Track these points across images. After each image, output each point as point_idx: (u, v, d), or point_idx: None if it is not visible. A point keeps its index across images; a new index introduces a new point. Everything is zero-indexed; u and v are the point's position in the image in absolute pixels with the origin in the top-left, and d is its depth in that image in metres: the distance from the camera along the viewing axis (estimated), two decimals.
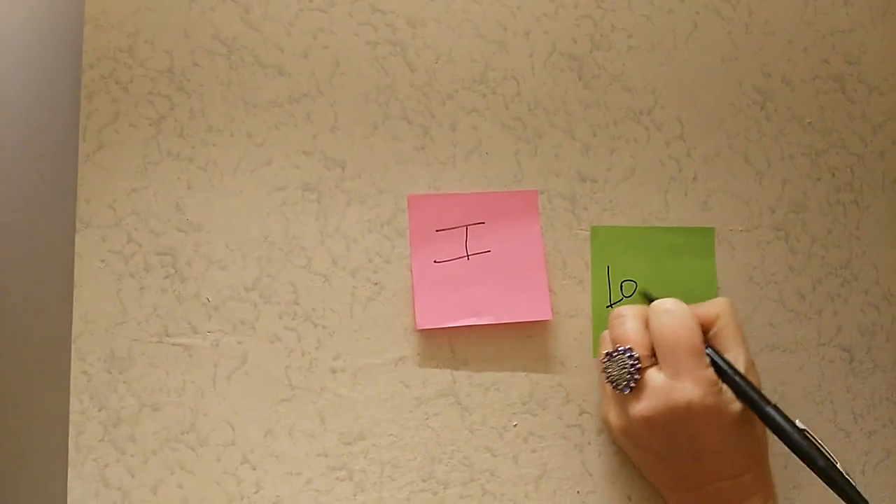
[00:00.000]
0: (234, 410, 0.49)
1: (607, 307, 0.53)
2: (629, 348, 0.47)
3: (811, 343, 0.56)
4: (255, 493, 0.49)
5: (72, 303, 0.48)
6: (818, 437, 0.47)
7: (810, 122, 0.57)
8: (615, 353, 0.48)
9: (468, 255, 0.52)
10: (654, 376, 0.47)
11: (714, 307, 0.50)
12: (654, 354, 0.48)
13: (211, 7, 0.51)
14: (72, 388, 0.47)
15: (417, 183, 0.52)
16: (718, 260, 0.55)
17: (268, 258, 0.50)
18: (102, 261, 0.48)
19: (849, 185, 0.57)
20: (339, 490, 0.49)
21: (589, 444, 0.52)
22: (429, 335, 0.51)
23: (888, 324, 0.57)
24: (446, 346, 0.51)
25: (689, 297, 0.54)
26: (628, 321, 0.49)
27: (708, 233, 0.55)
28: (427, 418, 0.51)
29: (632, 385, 0.47)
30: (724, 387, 0.47)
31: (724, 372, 0.47)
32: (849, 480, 0.45)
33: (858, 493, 0.45)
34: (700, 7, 0.56)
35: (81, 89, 0.49)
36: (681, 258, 0.54)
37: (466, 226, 0.52)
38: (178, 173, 0.49)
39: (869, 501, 0.44)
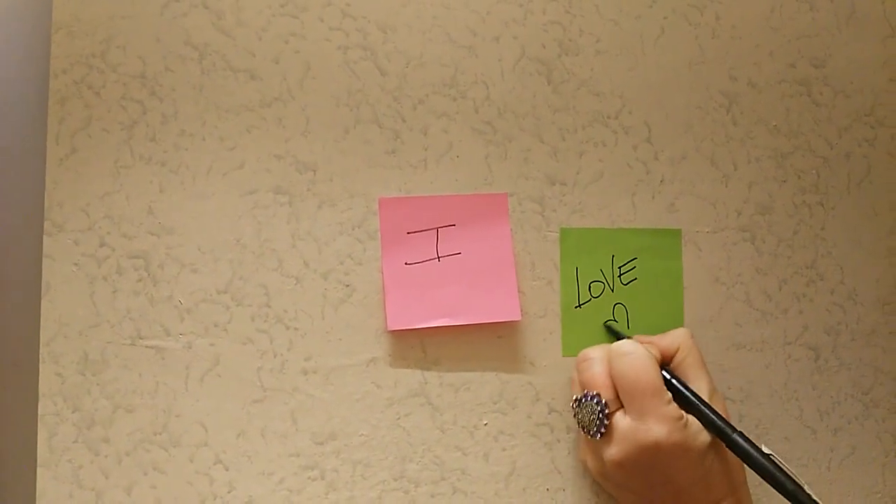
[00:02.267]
0: (206, 411, 0.49)
1: (576, 307, 0.53)
2: (596, 394, 0.48)
3: (777, 342, 0.56)
4: (228, 492, 0.48)
5: (40, 306, 0.47)
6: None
7: (776, 125, 0.57)
8: (584, 400, 0.48)
9: (439, 257, 0.52)
10: (620, 420, 0.47)
11: (675, 339, 0.51)
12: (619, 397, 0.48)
13: (183, 13, 0.50)
14: (46, 390, 0.47)
15: (388, 186, 0.52)
16: (685, 261, 0.55)
17: (240, 261, 0.50)
18: (75, 264, 0.48)
19: (814, 186, 0.58)
20: (311, 489, 0.49)
21: (558, 441, 0.52)
22: (400, 336, 0.51)
23: (853, 323, 0.57)
24: (417, 346, 0.51)
25: (657, 298, 0.54)
26: (595, 365, 0.49)
27: (675, 234, 0.55)
28: (398, 418, 0.51)
29: (602, 431, 0.47)
30: (691, 419, 0.47)
31: (689, 402, 0.48)
32: (815, 501, 0.45)
33: None
34: (668, 12, 0.56)
35: (52, 94, 0.48)
36: (648, 260, 0.54)
37: (437, 228, 0.52)
38: (151, 177, 0.49)
39: None
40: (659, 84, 0.55)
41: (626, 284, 0.54)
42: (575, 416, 0.49)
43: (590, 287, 0.54)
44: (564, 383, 0.53)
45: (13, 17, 0.50)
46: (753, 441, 0.47)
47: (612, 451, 0.47)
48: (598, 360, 0.49)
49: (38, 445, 0.47)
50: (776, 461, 0.46)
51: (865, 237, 0.58)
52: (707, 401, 0.48)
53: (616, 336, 0.52)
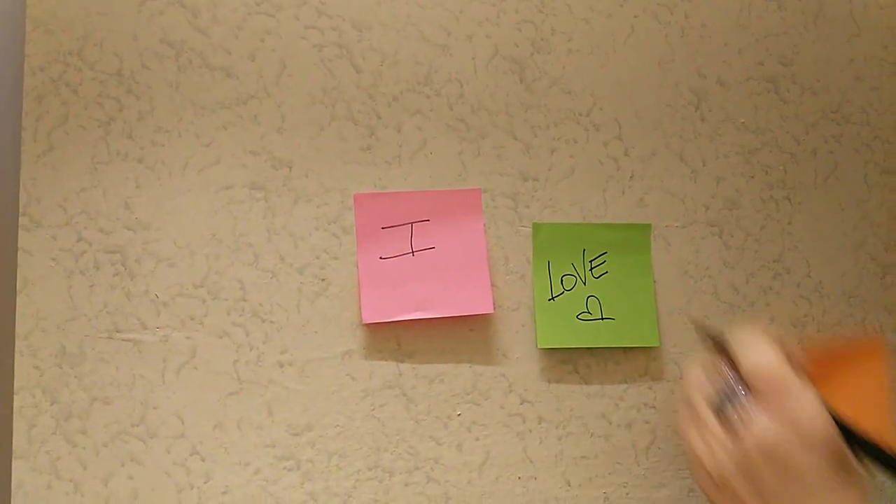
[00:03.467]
0: (183, 403, 0.49)
1: (549, 300, 0.54)
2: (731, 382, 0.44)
3: None
4: (205, 483, 0.49)
5: (15, 300, 0.48)
6: None
7: (744, 122, 0.58)
8: (727, 387, 0.44)
9: (413, 252, 0.52)
10: (758, 409, 0.43)
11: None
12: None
13: (159, 11, 0.50)
14: (24, 383, 0.47)
15: (363, 182, 0.52)
16: (654, 255, 0.55)
17: (216, 255, 0.50)
18: (53, 259, 0.48)
19: (781, 182, 0.58)
20: (287, 479, 0.50)
21: (530, 431, 0.53)
22: (375, 329, 0.52)
23: (819, 315, 0.58)
24: (392, 339, 0.52)
25: (627, 290, 0.55)
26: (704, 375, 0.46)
27: (644, 229, 0.55)
28: (373, 409, 0.51)
29: (744, 414, 0.43)
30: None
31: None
32: None
33: None
34: (638, 11, 0.57)
35: (29, 92, 0.48)
36: (618, 253, 0.55)
37: (412, 223, 0.53)
38: (127, 173, 0.49)
39: None
40: (629, 82, 0.56)
41: (597, 278, 0.55)
42: (718, 408, 0.44)
43: (562, 280, 0.54)
44: (537, 374, 0.53)
45: None
46: None
47: (766, 429, 0.42)
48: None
49: (16, 437, 0.47)
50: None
51: (831, 232, 0.59)
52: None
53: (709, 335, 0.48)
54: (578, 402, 0.53)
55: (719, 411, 0.44)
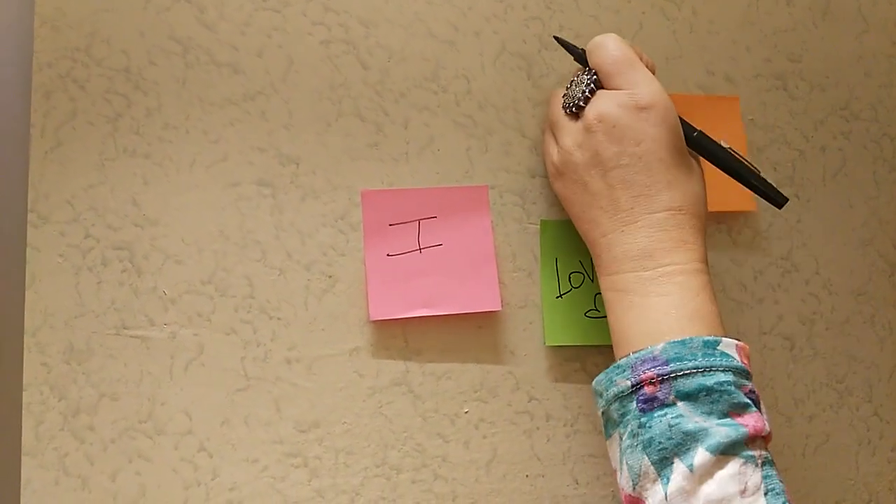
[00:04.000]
0: (190, 400, 0.49)
1: (557, 297, 0.53)
2: (588, 69, 0.49)
3: (753, 331, 0.56)
4: (212, 479, 0.48)
5: (23, 296, 0.47)
6: None
7: (752, 119, 0.57)
8: (573, 79, 0.49)
9: (420, 249, 0.52)
10: (605, 90, 0.48)
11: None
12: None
13: (166, 7, 0.50)
14: (31, 379, 0.47)
15: (371, 179, 0.52)
16: None
17: (223, 252, 0.50)
18: (61, 255, 0.48)
19: (790, 179, 0.58)
20: (294, 476, 0.49)
21: (537, 429, 0.53)
22: (382, 326, 0.51)
23: (827, 312, 0.58)
24: (399, 336, 0.51)
25: None
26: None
27: None
28: (380, 406, 0.51)
29: (588, 95, 0.47)
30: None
31: None
32: (770, 184, 0.49)
33: (779, 192, 0.48)
34: (646, 7, 0.56)
35: (37, 88, 0.48)
36: None
37: (419, 220, 0.52)
38: (135, 169, 0.49)
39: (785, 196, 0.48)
40: None
41: None
42: (563, 105, 0.49)
43: (570, 277, 0.54)
44: (544, 372, 0.53)
45: None
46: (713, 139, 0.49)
47: (598, 105, 0.47)
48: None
49: (24, 434, 0.46)
50: (735, 153, 0.49)
51: (840, 228, 0.58)
52: None
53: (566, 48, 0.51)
54: (586, 399, 0.53)
55: (574, 110, 0.48)
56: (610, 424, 0.45)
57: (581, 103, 0.48)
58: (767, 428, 0.42)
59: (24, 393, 0.47)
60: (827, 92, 0.59)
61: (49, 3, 0.49)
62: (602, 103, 0.47)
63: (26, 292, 0.47)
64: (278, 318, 0.50)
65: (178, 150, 0.50)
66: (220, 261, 0.49)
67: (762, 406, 0.43)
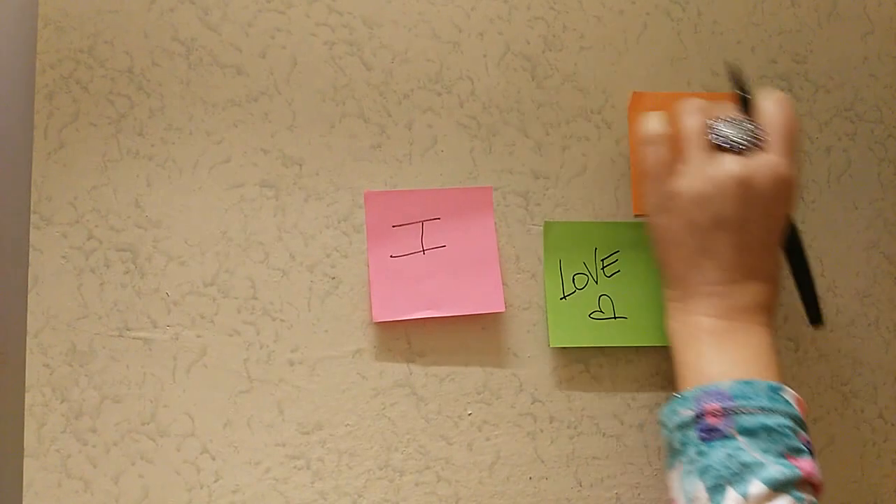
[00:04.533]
0: (193, 402, 0.48)
1: (561, 299, 0.53)
2: (752, 121, 0.48)
3: None
4: (215, 482, 0.48)
5: (26, 298, 0.47)
6: None
7: None
8: (733, 120, 0.47)
9: (424, 250, 0.52)
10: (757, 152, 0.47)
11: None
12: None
13: (170, 8, 0.50)
14: (34, 381, 0.47)
15: (374, 180, 0.52)
16: None
17: (226, 254, 0.49)
18: (63, 257, 0.48)
19: None
20: (297, 478, 0.49)
21: (541, 431, 0.52)
22: (385, 328, 0.51)
23: (832, 314, 0.57)
24: (402, 338, 0.51)
25: (639, 289, 0.54)
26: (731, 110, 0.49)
27: None
28: (384, 408, 0.50)
29: (750, 144, 0.47)
30: None
31: None
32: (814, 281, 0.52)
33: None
34: (650, 8, 0.56)
35: (40, 89, 0.48)
36: (631, 252, 0.54)
37: (422, 221, 0.52)
38: (138, 171, 0.49)
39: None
40: (641, 79, 0.55)
41: (609, 276, 0.54)
42: (713, 134, 0.47)
43: (574, 279, 0.53)
44: (548, 374, 0.52)
45: (0, 12, 0.49)
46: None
47: (738, 166, 0.46)
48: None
49: (26, 436, 0.46)
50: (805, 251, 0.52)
51: (845, 230, 0.58)
52: None
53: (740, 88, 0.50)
54: (590, 401, 0.53)
55: (730, 146, 0.47)
56: (672, 454, 0.46)
57: (741, 144, 0.47)
58: (820, 477, 0.43)
59: (26, 395, 0.47)
60: (832, 93, 0.58)
61: (52, 4, 0.49)
62: (765, 166, 0.46)
63: (29, 294, 0.47)
64: (281, 320, 0.50)
65: (181, 152, 0.49)
66: (223, 262, 0.49)
67: (815, 458, 0.44)
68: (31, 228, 0.47)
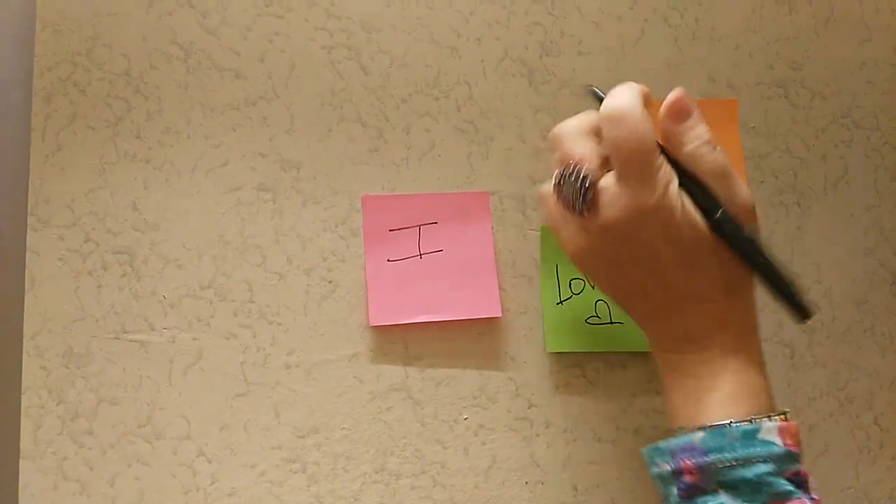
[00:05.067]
0: (189, 405, 0.48)
1: (557, 304, 0.53)
2: (575, 165, 0.42)
3: None
4: (211, 485, 0.48)
5: (22, 300, 0.47)
6: None
7: (754, 127, 0.57)
8: (563, 175, 0.43)
9: (421, 254, 0.51)
10: (608, 185, 0.42)
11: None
12: (605, 161, 0.43)
13: (168, 12, 0.50)
14: (30, 383, 0.47)
15: (372, 184, 0.51)
16: None
17: (223, 257, 0.49)
18: (60, 259, 0.48)
19: (791, 187, 0.57)
20: (293, 482, 0.49)
21: (537, 436, 0.52)
22: (382, 332, 0.51)
23: (828, 321, 0.57)
24: (399, 342, 0.51)
25: None
26: (568, 138, 0.44)
27: None
28: (380, 412, 0.50)
29: (586, 201, 0.42)
30: (684, 194, 0.42)
31: (683, 183, 0.42)
32: (784, 273, 0.43)
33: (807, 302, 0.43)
34: (648, 14, 0.56)
35: (38, 92, 0.48)
36: None
37: (419, 226, 0.52)
38: (135, 174, 0.49)
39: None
40: None
41: None
42: (558, 198, 0.43)
43: (570, 284, 0.53)
44: (544, 378, 0.52)
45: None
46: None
47: (599, 218, 0.42)
48: (571, 129, 0.44)
49: (22, 438, 0.46)
50: (755, 239, 0.43)
51: (841, 237, 0.58)
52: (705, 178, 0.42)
53: (598, 100, 0.44)
54: (586, 406, 0.52)
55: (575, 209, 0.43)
56: (660, 494, 0.44)
57: (580, 202, 0.43)
58: None
59: (22, 396, 0.46)
60: (829, 100, 0.58)
61: (51, 6, 0.48)
62: (610, 208, 0.42)
63: (26, 296, 0.47)
64: (278, 323, 0.49)
65: (178, 155, 0.49)
66: (219, 265, 0.49)
67: (810, 483, 0.42)
68: (28, 231, 0.47)
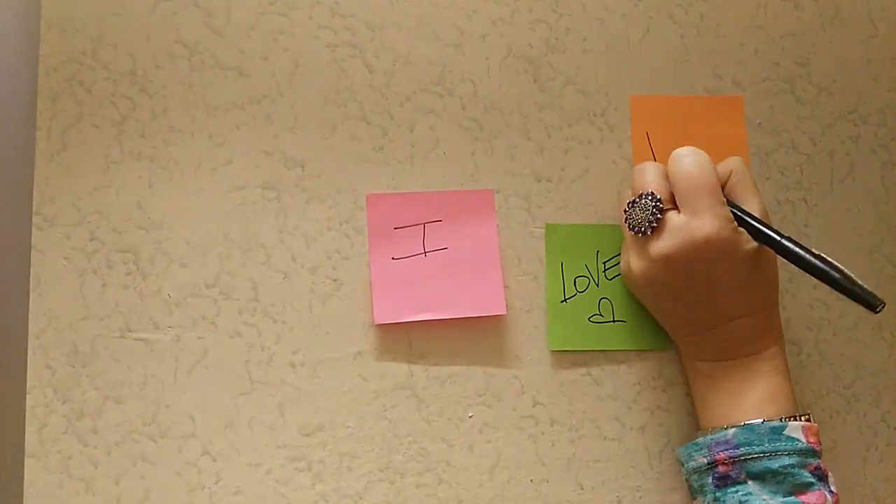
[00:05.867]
0: (194, 403, 0.48)
1: (562, 302, 0.52)
2: (650, 192, 0.48)
3: None
4: (216, 483, 0.48)
5: (28, 299, 0.47)
6: None
7: (760, 123, 0.56)
8: (637, 199, 0.48)
9: (425, 252, 0.51)
10: (673, 217, 0.47)
11: (728, 163, 0.50)
12: (673, 201, 0.48)
13: (173, 11, 0.49)
14: (35, 382, 0.46)
15: (376, 182, 0.51)
16: None
17: (228, 255, 0.49)
18: (66, 258, 0.47)
19: (798, 183, 0.57)
20: (298, 480, 0.48)
21: (542, 434, 0.51)
22: (387, 330, 0.50)
23: (835, 318, 0.56)
24: (404, 340, 0.50)
25: None
26: (649, 170, 0.49)
27: None
28: (385, 410, 0.50)
29: (653, 226, 0.48)
30: (741, 229, 0.48)
31: (740, 218, 0.48)
32: (864, 287, 0.46)
33: (874, 295, 0.46)
34: (653, 11, 0.55)
35: (43, 91, 0.47)
36: None
37: (424, 224, 0.51)
38: (140, 172, 0.48)
39: (881, 299, 0.46)
40: (644, 82, 0.54)
41: (610, 279, 0.53)
42: (626, 220, 0.49)
43: (575, 282, 0.53)
44: (549, 376, 0.52)
45: (4, 14, 0.49)
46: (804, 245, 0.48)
47: (662, 245, 0.47)
48: (652, 167, 0.49)
49: (27, 436, 0.46)
50: (826, 258, 0.47)
51: (848, 234, 0.57)
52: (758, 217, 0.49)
53: None
54: (591, 404, 0.52)
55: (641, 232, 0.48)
56: (693, 490, 0.50)
57: (649, 225, 0.48)
58: (830, 500, 0.46)
59: (27, 396, 0.46)
60: (835, 96, 0.58)
61: (56, 6, 0.48)
62: (678, 235, 0.47)
63: (31, 295, 0.47)
64: (283, 322, 0.49)
65: (183, 154, 0.49)
66: (224, 264, 0.49)
67: (829, 478, 0.47)
68: (33, 230, 0.47)
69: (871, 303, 0.46)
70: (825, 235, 0.56)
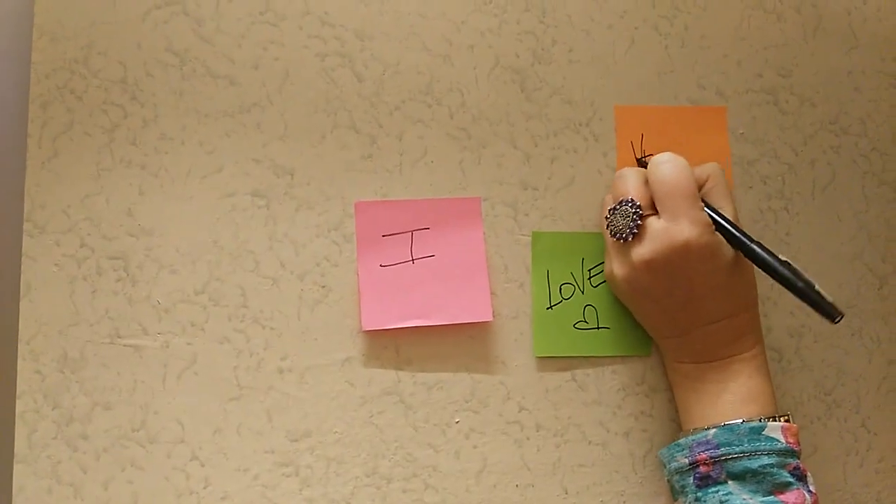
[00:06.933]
0: (183, 409, 0.48)
1: (547, 308, 0.53)
2: (631, 199, 0.49)
3: None
4: (204, 488, 0.48)
5: (18, 305, 0.47)
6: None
7: (743, 133, 0.57)
8: (618, 206, 0.49)
9: (413, 260, 0.51)
10: (653, 222, 0.48)
11: (705, 169, 0.51)
12: (653, 206, 0.49)
13: (164, 20, 0.50)
14: (25, 387, 0.46)
15: (365, 190, 0.51)
16: None
17: (217, 262, 0.49)
18: (56, 265, 0.47)
19: (780, 193, 0.57)
20: (285, 485, 0.49)
21: (528, 439, 0.52)
22: (374, 336, 0.50)
23: (816, 325, 0.57)
24: (391, 346, 0.51)
25: None
26: (629, 177, 0.50)
27: None
28: (372, 416, 0.50)
29: (634, 231, 0.48)
30: (718, 234, 0.49)
31: (716, 222, 0.49)
32: (825, 297, 0.47)
33: (834, 306, 0.47)
34: (638, 22, 0.56)
35: (35, 99, 0.47)
36: None
37: (412, 231, 0.52)
38: (131, 180, 0.48)
39: (840, 310, 0.47)
40: (629, 93, 0.55)
41: (595, 287, 0.53)
42: (608, 226, 0.50)
43: (560, 289, 0.53)
44: (535, 382, 0.52)
45: None
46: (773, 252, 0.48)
47: (643, 250, 0.48)
48: (632, 173, 0.50)
49: (17, 442, 0.46)
50: (792, 265, 0.48)
51: (829, 242, 0.58)
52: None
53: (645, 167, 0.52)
54: (576, 410, 0.52)
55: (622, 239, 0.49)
56: (675, 491, 0.50)
57: (629, 230, 0.49)
58: (809, 500, 0.47)
59: (17, 401, 0.46)
60: (817, 107, 0.58)
61: (48, 14, 0.48)
62: (658, 240, 0.48)
63: (21, 301, 0.47)
64: (271, 328, 0.49)
65: (173, 161, 0.49)
66: (213, 270, 0.49)
67: (808, 478, 0.48)
68: (24, 236, 0.47)
69: (830, 313, 0.47)
70: (806, 244, 0.57)
